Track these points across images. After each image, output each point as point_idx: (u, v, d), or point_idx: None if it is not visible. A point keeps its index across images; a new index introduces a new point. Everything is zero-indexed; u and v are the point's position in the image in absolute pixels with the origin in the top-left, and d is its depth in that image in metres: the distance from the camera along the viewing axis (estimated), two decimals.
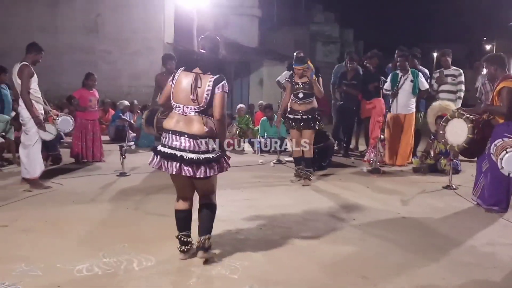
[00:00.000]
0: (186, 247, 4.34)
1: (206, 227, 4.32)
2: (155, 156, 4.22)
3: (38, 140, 6.93)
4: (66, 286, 3.79)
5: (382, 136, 8.74)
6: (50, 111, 7.31)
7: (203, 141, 4.10)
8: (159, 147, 4.22)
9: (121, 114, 12.69)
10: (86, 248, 4.62)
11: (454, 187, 7.34)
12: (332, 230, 5.33)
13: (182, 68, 4.27)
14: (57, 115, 7.29)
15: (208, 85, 4.10)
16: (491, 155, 5.12)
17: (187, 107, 4.14)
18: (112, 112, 13.72)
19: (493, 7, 35.38)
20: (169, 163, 4.12)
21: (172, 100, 4.24)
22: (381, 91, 9.22)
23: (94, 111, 9.50)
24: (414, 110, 9.24)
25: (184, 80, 4.17)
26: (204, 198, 4.35)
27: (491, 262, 4.46)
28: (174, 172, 4.13)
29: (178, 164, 4.08)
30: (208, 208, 4.34)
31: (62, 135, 9.51)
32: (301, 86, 7.45)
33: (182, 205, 4.37)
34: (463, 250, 4.78)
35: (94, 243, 4.75)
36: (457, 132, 6.17)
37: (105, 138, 12.40)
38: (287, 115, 7.66)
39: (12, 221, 5.43)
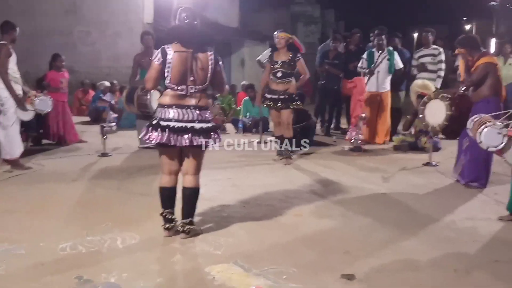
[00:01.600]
0: (170, 224, 4.35)
1: (188, 211, 4.37)
2: (158, 131, 4.16)
3: (16, 120, 6.84)
4: (50, 264, 3.78)
5: (363, 115, 8.78)
6: (29, 91, 7.22)
7: (207, 111, 4.28)
8: (163, 122, 4.17)
9: (101, 95, 12.57)
10: (70, 227, 4.61)
11: (434, 164, 7.42)
12: (314, 207, 5.38)
13: (171, 47, 4.18)
14: (35, 96, 7.17)
15: (210, 64, 4.22)
16: (468, 130, 5.19)
17: (191, 87, 4.19)
18: (92, 93, 13.58)
19: None
20: (179, 136, 4.13)
21: (170, 83, 4.19)
22: (365, 68, 9.27)
23: (65, 93, 9.34)
24: (389, 88, 9.33)
25: (181, 60, 4.15)
26: (189, 179, 4.35)
27: (470, 236, 4.54)
28: (187, 144, 4.14)
29: (189, 136, 4.12)
30: (192, 192, 4.36)
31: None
32: (280, 64, 7.37)
33: (167, 182, 4.36)
34: (443, 225, 4.85)
35: (77, 223, 4.74)
36: (436, 113, 6.25)
37: (86, 119, 12.32)
38: (265, 95, 7.59)
39: None
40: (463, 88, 6.15)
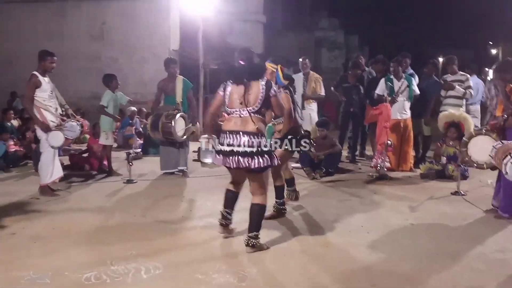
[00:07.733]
0: (226, 221, 5.10)
1: (253, 225, 4.78)
2: (217, 155, 4.81)
3: (48, 148, 6.93)
4: None
5: (389, 142, 8.68)
6: (72, 115, 7.38)
7: (256, 136, 4.68)
8: (220, 147, 4.77)
9: (130, 121, 12.69)
10: (94, 255, 4.62)
11: (463, 193, 7.26)
12: (340, 237, 5.30)
13: (230, 82, 4.83)
14: (64, 121, 7.21)
15: (262, 90, 4.71)
16: (490, 158, 4.97)
17: (243, 110, 4.71)
18: None
19: (499, 10, 35.26)
20: (230, 158, 4.69)
21: (227, 108, 4.85)
22: (387, 96, 9.22)
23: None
24: (410, 115, 9.31)
25: (236, 90, 4.78)
26: (256, 196, 4.84)
27: (501, 269, 4.41)
28: (234, 166, 4.70)
29: (236, 158, 4.64)
30: (257, 208, 4.81)
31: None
32: None
33: (232, 187, 5.11)
34: (473, 257, 4.72)
35: (102, 251, 4.75)
36: (484, 147, 6.06)
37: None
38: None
39: (19, 228, 5.45)
40: (506, 116, 5.97)
